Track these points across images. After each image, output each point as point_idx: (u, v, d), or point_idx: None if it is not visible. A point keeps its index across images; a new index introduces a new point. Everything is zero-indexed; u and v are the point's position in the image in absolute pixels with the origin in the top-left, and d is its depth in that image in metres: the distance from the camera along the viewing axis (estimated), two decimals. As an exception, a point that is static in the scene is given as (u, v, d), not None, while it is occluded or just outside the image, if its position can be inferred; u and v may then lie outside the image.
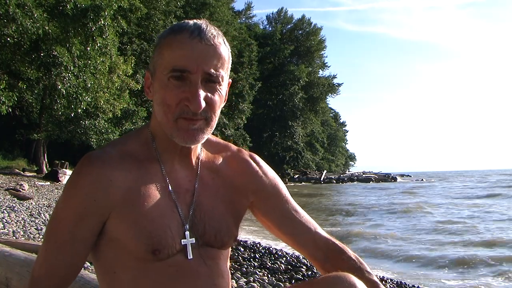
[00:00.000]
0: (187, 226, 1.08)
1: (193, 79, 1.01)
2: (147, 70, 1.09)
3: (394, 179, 52.51)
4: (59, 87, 17.03)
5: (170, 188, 1.09)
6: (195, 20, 1.05)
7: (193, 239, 1.08)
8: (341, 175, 53.25)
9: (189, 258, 1.07)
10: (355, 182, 45.63)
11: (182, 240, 1.06)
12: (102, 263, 1.09)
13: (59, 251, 1.05)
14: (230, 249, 1.20)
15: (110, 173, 1.03)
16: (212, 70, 1.02)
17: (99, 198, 1.02)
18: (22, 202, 9.12)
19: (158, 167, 1.09)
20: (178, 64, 1.00)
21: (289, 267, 4.68)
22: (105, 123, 20.62)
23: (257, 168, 1.23)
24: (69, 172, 17.73)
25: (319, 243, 1.23)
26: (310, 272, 4.43)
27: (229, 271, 1.21)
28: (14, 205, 8.22)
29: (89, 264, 2.84)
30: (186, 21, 1.06)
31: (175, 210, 1.08)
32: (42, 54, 16.37)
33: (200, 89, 1.01)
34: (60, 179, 16.66)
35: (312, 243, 1.22)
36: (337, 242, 1.25)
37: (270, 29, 56.99)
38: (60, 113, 18.59)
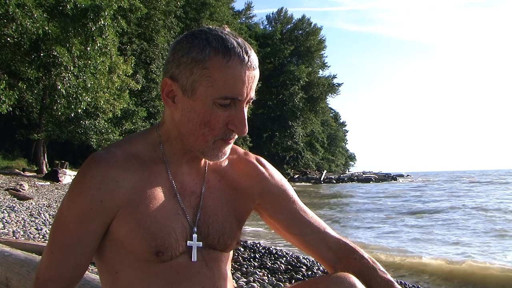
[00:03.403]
0: (195, 229, 1.08)
1: (240, 104, 1.02)
2: (168, 78, 1.04)
3: (394, 179, 52.50)
4: (59, 87, 17.07)
5: (176, 190, 1.09)
6: (238, 40, 1.01)
7: (200, 242, 1.08)
8: (341, 175, 53.23)
9: (193, 260, 1.07)
10: (354, 182, 45.63)
11: (188, 242, 1.07)
12: (104, 262, 1.09)
13: (65, 253, 1.05)
14: (232, 252, 1.20)
15: (116, 173, 1.03)
16: (253, 94, 1.04)
17: (105, 199, 1.02)
18: (22, 202, 9.12)
19: (164, 169, 1.09)
20: (231, 93, 1.00)
21: (289, 267, 4.68)
22: (105, 123, 20.66)
23: (263, 170, 1.22)
24: (69, 172, 17.74)
25: (329, 243, 1.21)
26: (310, 272, 4.43)
27: (231, 274, 1.20)
28: (14, 205, 8.23)
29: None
30: (231, 39, 1.00)
31: (180, 212, 1.08)
32: (42, 54, 16.40)
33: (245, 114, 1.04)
34: (60, 179, 16.66)
35: (322, 244, 1.21)
36: (347, 241, 1.23)
37: (270, 29, 57.02)
38: (60, 113, 18.61)
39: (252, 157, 1.24)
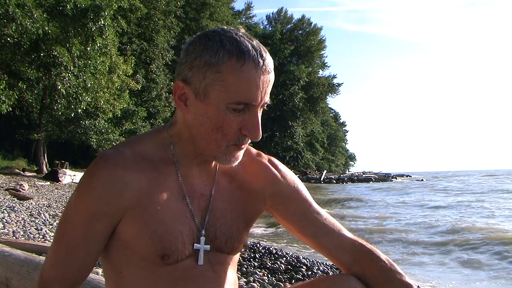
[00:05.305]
0: (203, 232, 1.06)
1: (254, 109, 0.99)
2: (180, 80, 1.01)
3: (394, 179, 52.55)
4: (59, 87, 17.07)
5: (185, 192, 1.07)
6: (253, 42, 0.98)
7: (208, 246, 1.06)
8: (341, 175, 53.17)
9: (199, 263, 1.05)
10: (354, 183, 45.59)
11: (195, 245, 1.05)
12: (109, 261, 1.08)
13: (71, 253, 1.03)
14: (238, 255, 1.18)
15: (125, 174, 1.00)
16: (268, 99, 1.01)
17: (113, 200, 1.00)
18: (22, 202, 9.11)
19: (173, 170, 1.06)
20: (244, 98, 0.97)
21: (289, 267, 4.68)
22: (105, 123, 20.66)
23: (275, 171, 1.19)
24: (69, 172, 17.74)
25: (344, 244, 1.17)
26: (310, 272, 4.43)
27: (237, 277, 1.18)
28: (14, 205, 8.22)
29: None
30: (245, 42, 0.97)
31: (188, 215, 1.06)
32: (42, 54, 16.40)
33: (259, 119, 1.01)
34: (60, 179, 16.64)
35: (337, 245, 1.17)
36: (364, 243, 1.19)
37: (270, 29, 57.07)
38: (60, 113, 18.62)
39: (265, 158, 1.21)
